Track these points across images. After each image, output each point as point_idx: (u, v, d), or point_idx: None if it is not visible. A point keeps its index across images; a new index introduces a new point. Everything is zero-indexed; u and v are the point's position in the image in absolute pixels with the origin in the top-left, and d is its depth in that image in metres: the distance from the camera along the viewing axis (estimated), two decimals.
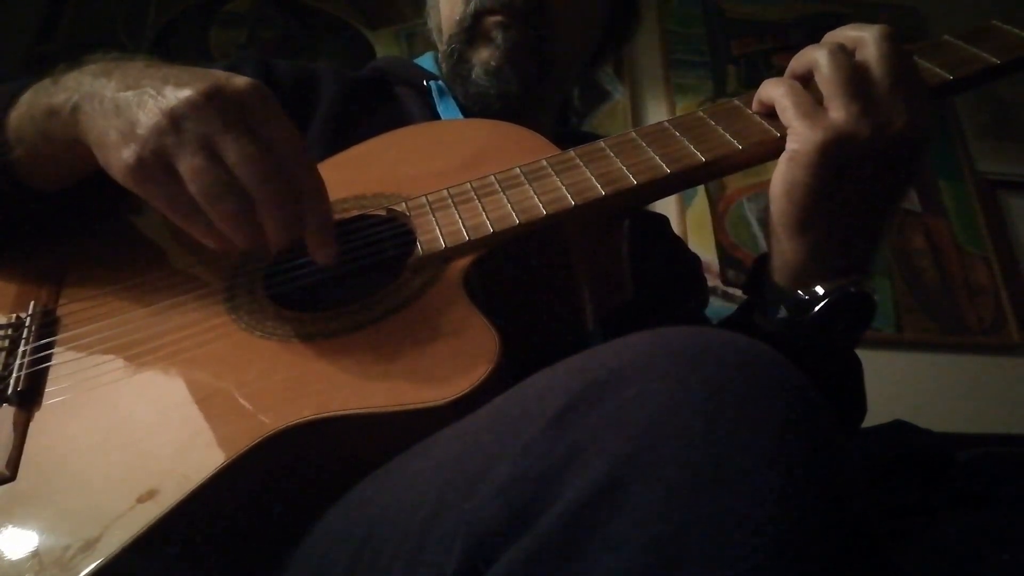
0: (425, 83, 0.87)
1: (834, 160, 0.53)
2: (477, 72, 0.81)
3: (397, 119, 0.82)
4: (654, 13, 2.26)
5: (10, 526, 0.45)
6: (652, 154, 0.58)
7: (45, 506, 0.46)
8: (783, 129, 0.57)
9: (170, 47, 1.99)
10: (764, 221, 2.00)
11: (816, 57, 0.55)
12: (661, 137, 0.60)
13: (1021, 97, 2.29)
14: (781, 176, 0.55)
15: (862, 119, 0.53)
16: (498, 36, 0.80)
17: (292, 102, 0.80)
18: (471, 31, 0.81)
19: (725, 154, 0.57)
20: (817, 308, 0.56)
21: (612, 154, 0.59)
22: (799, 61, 0.58)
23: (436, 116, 0.84)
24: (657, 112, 2.11)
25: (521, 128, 0.66)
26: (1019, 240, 2.10)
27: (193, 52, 1.98)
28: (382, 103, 0.86)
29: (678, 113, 2.06)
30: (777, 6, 2.35)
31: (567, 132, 0.98)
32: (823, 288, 0.56)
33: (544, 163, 0.60)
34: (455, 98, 0.85)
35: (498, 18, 0.80)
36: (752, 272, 0.65)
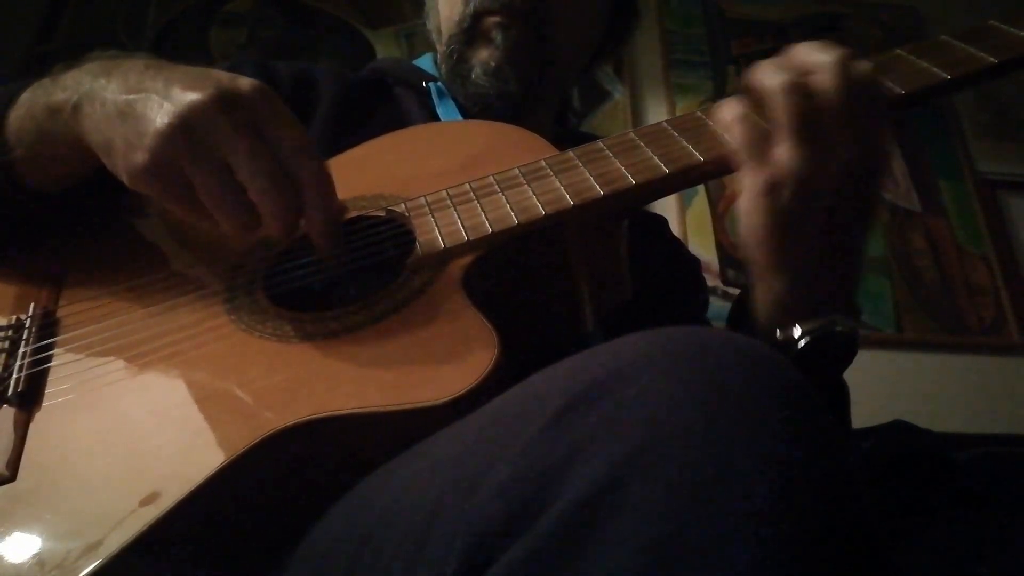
0: (424, 84, 0.87)
1: (784, 199, 0.52)
2: (476, 72, 0.81)
3: (396, 120, 0.82)
4: (654, 13, 2.26)
5: (11, 527, 0.45)
6: (651, 154, 0.58)
7: (46, 507, 0.46)
8: None
9: (170, 47, 2.00)
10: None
11: (770, 89, 0.53)
12: (660, 137, 0.60)
13: (1021, 97, 2.30)
14: (743, 219, 0.54)
15: (812, 161, 0.51)
16: (497, 36, 0.80)
17: (292, 103, 0.80)
18: (470, 32, 0.81)
19: (723, 154, 0.57)
20: (798, 347, 0.54)
21: (611, 154, 0.59)
22: (752, 83, 0.55)
23: (435, 117, 0.84)
24: (657, 112, 2.11)
25: (520, 129, 0.67)
26: (1019, 240, 2.10)
27: (193, 52, 1.98)
28: (381, 104, 0.87)
29: (678, 113, 2.06)
30: (777, 6, 2.35)
31: (566, 132, 0.98)
32: (801, 328, 0.55)
33: (543, 163, 0.60)
34: (454, 99, 0.85)
35: (497, 18, 0.80)
36: (735, 306, 0.64)
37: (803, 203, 0.52)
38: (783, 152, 0.52)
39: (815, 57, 0.54)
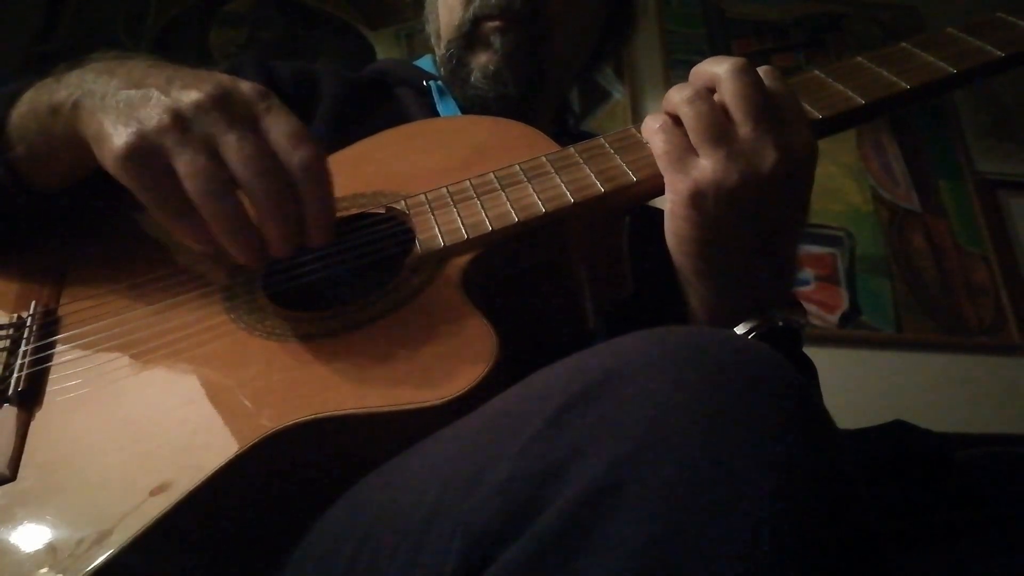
0: (425, 83, 0.87)
1: (707, 208, 0.52)
2: (476, 76, 0.82)
3: (397, 119, 0.82)
4: (654, 13, 2.26)
5: (11, 526, 0.45)
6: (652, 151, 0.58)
7: (44, 506, 0.46)
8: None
9: (170, 47, 2.00)
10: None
11: (678, 101, 0.54)
12: None
13: (1021, 98, 2.30)
14: (666, 228, 0.55)
15: (728, 163, 0.51)
16: (496, 41, 0.81)
17: (292, 103, 0.80)
18: (470, 36, 0.82)
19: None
20: None
21: (612, 151, 0.59)
22: (666, 103, 0.56)
23: (436, 115, 0.85)
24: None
25: (521, 124, 0.66)
26: (1019, 240, 2.11)
27: (193, 52, 1.98)
28: (382, 103, 0.87)
29: None
30: (777, 6, 2.35)
31: (564, 133, 0.99)
32: (742, 328, 0.55)
33: (544, 160, 0.60)
34: (455, 98, 0.86)
35: (496, 23, 0.80)
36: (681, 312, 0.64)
37: (725, 210, 0.52)
38: (703, 158, 0.52)
39: (713, 69, 0.54)
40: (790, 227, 0.56)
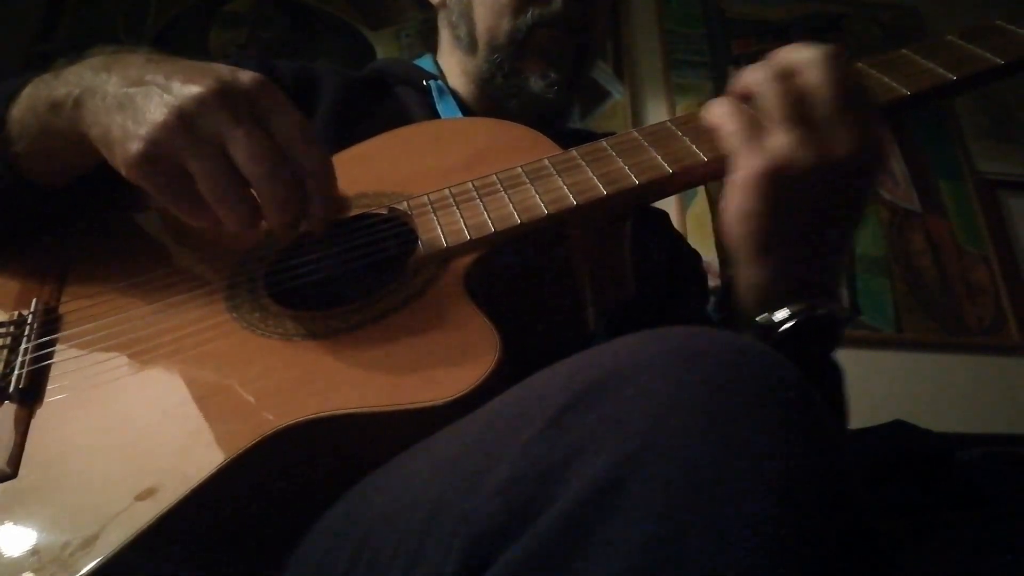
0: (425, 83, 0.87)
1: (778, 186, 0.52)
2: (536, 83, 0.83)
3: (397, 118, 0.82)
4: (654, 13, 2.26)
5: (11, 524, 0.45)
6: (654, 154, 0.58)
7: (45, 504, 0.46)
8: None
9: (170, 47, 1.99)
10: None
11: (755, 81, 0.54)
12: (663, 137, 0.60)
13: (1021, 98, 2.30)
14: (730, 203, 0.55)
15: (804, 145, 0.52)
16: (554, 48, 0.82)
17: (293, 102, 0.81)
18: (523, 44, 0.83)
19: (725, 154, 0.57)
20: (780, 331, 0.55)
21: (614, 154, 0.59)
22: (739, 82, 0.56)
23: (436, 115, 0.85)
24: (657, 112, 2.11)
25: (523, 127, 0.67)
26: (1019, 240, 2.11)
27: (193, 52, 1.98)
28: (382, 103, 0.87)
29: (678, 113, 2.06)
30: (777, 6, 2.35)
31: (563, 131, 0.99)
32: (785, 312, 0.55)
33: (546, 162, 0.60)
34: (456, 97, 0.86)
35: (555, 32, 0.82)
36: (720, 294, 0.64)
37: (796, 189, 0.52)
38: (777, 138, 0.52)
39: (800, 54, 0.54)
40: (848, 217, 0.57)
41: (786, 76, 0.54)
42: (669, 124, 0.61)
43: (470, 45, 0.88)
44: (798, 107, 0.52)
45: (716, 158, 0.57)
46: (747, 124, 0.54)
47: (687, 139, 0.59)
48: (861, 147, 0.52)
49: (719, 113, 0.56)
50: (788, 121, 0.52)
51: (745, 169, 0.53)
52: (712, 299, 1.00)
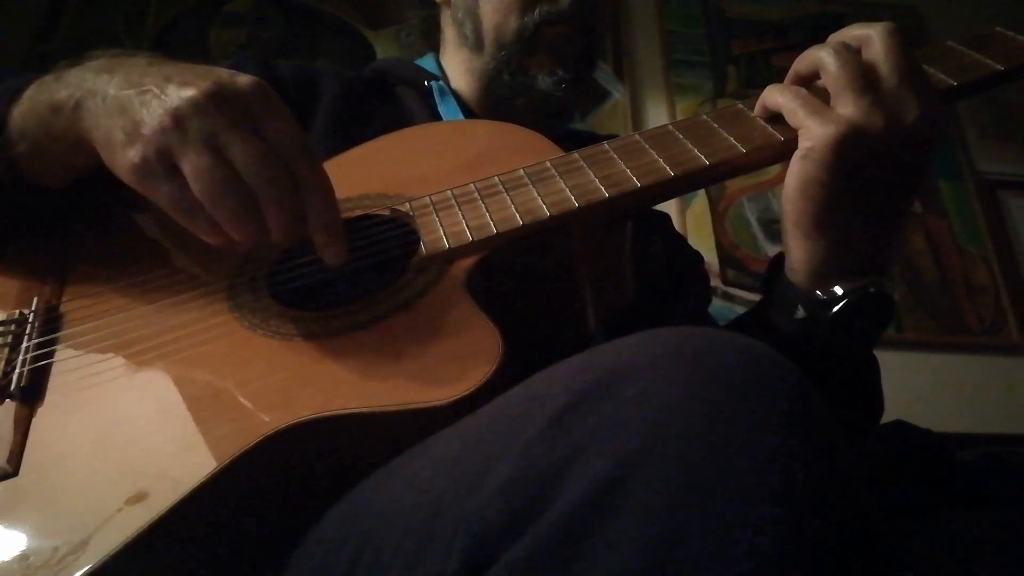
0: (426, 83, 0.87)
1: (849, 155, 0.53)
2: (544, 81, 0.83)
3: (398, 119, 0.82)
4: (654, 13, 2.26)
5: (11, 522, 0.45)
6: (656, 157, 0.58)
7: (43, 503, 0.46)
8: (787, 133, 0.57)
9: (170, 47, 1.99)
10: (764, 221, 2.00)
11: (821, 56, 0.56)
12: (665, 140, 0.60)
13: (1021, 98, 2.30)
14: (796, 174, 0.55)
15: (874, 112, 0.53)
16: (563, 47, 0.83)
17: (293, 102, 0.80)
18: (531, 40, 0.83)
19: (728, 158, 0.57)
20: (836, 308, 0.55)
21: (616, 156, 0.59)
22: (803, 61, 0.58)
23: (437, 116, 0.85)
24: (657, 112, 2.11)
25: (524, 129, 0.67)
26: (1019, 240, 2.11)
27: (193, 52, 1.98)
28: (383, 103, 0.87)
29: (678, 113, 2.06)
30: (777, 6, 2.35)
31: (565, 132, 0.99)
32: (842, 288, 0.56)
33: (548, 165, 0.60)
34: (457, 98, 0.86)
35: (564, 29, 0.82)
36: (768, 271, 0.64)
37: (863, 158, 0.53)
38: (847, 106, 0.53)
39: (863, 30, 0.56)
40: (910, 193, 0.58)
41: (851, 49, 0.55)
42: (670, 127, 0.61)
43: (476, 43, 0.88)
44: (864, 77, 0.54)
45: (717, 163, 0.57)
46: (811, 98, 0.56)
47: (688, 142, 0.59)
48: (926, 116, 0.54)
49: (782, 96, 0.57)
50: (858, 90, 0.53)
51: (817, 137, 0.53)
52: (710, 296, 1.00)
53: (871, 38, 0.56)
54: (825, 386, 0.61)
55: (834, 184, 0.54)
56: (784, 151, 0.57)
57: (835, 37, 0.58)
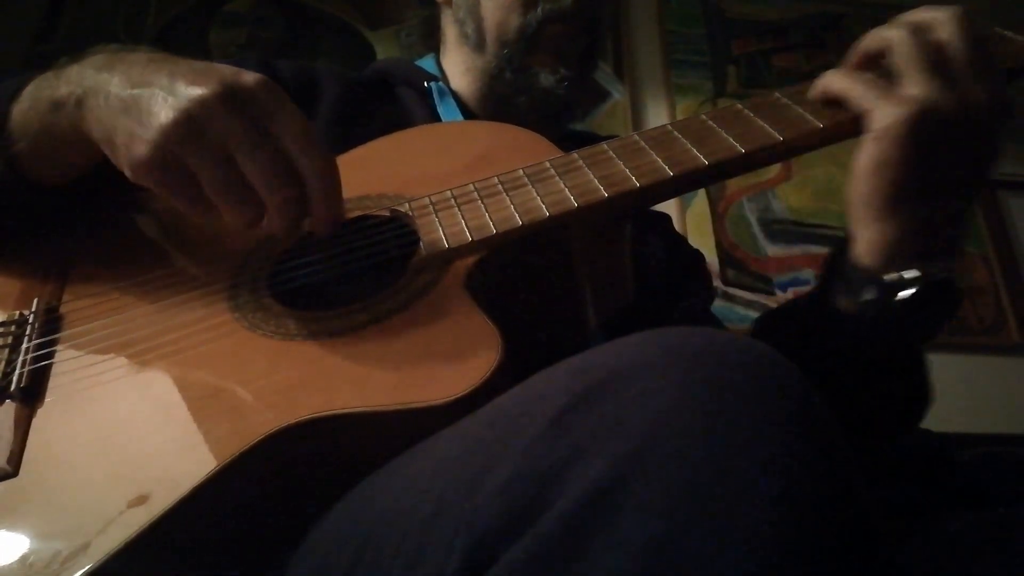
0: (426, 84, 0.87)
1: (924, 134, 0.53)
2: (546, 79, 0.83)
3: (398, 120, 0.82)
4: (654, 13, 2.26)
5: (12, 522, 0.45)
6: (655, 157, 0.59)
7: (43, 504, 0.46)
8: (788, 132, 0.57)
9: (170, 47, 1.99)
10: (764, 221, 2.00)
11: (890, 35, 0.56)
12: (664, 140, 0.60)
13: (1021, 98, 2.29)
14: (869, 155, 0.55)
15: (945, 92, 0.53)
16: (564, 45, 0.83)
17: (293, 102, 0.80)
18: (532, 39, 0.83)
19: (726, 158, 0.57)
20: (907, 291, 0.55)
21: (615, 156, 0.59)
22: (870, 41, 0.58)
23: (436, 116, 0.85)
24: (657, 112, 2.11)
25: (524, 130, 0.67)
26: (1019, 240, 2.10)
27: (193, 52, 1.97)
28: (383, 104, 0.87)
29: (678, 113, 2.06)
30: (777, 6, 2.35)
31: (566, 133, 0.99)
32: (915, 271, 0.56)
33: (547, 165, 0.60)
34: (455, 99, 0.86)
35: (565, 28, 0.82)
36: (832, 255, 0.64)
37: (936, 138, 0.53)
38: (918, 86, 0.53)
39: (931, 13, 0.56)
40: (978, 176, 0.58)
41: (921, 30, 0.55)
42: (669, 128, 0.61)
43: (478, 42, 0.88)
44: (934, 57, 0.54)
45: (715, 162, 0.57)
46: (877, 81, 0.56)
47: (688, 142, 0.59)
48: (995, 97, 0.54)
49: (844, 81, 0.57)
50: (928, 70, 0.53)
51: (888, 117, 0.54)
52: (713, 295, 0.99)
53: (939, 21, 0.56)
54: (884, 375, 0.60)
55: (908, 163, 0.54)
56: (780, 151, 0.57)
57: (905, 17, 0.58)
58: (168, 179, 0.49)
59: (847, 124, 0.58)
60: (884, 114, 0.54)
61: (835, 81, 0.58)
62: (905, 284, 0.55)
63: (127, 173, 0.50)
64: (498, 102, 0.87)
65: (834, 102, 0.58)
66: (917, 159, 0.54)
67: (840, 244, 0.62)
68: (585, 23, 0.83)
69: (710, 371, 0.36)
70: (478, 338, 0.49)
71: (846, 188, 0.58)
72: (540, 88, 0.83)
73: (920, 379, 0.66)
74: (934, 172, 0.54)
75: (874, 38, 0.58)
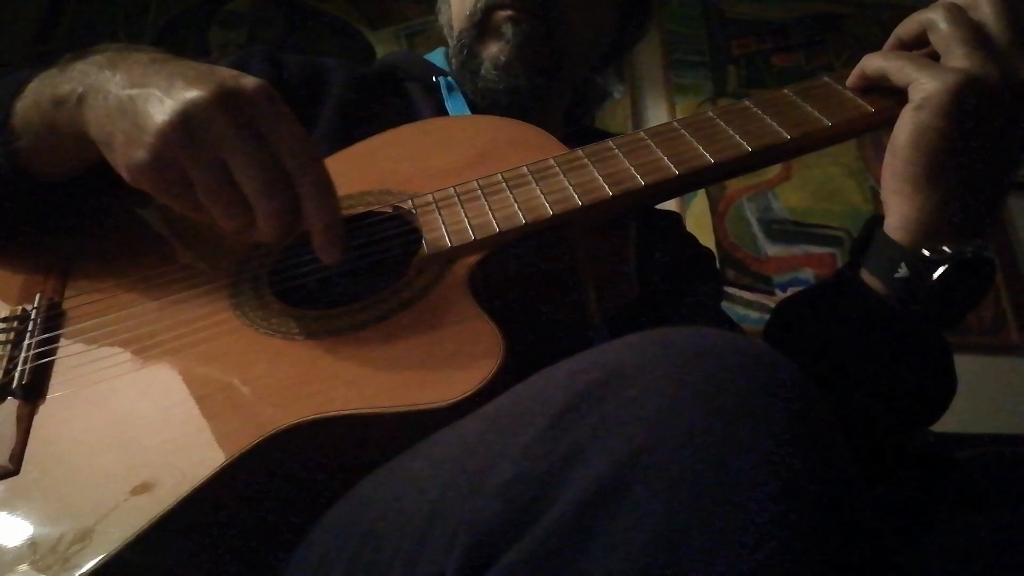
0: (434, 79, 0.87)
1: (966, 103, 0.53)
2: (486, 67, 0.81)
3: (406, 115, 0.82)
4: (654, 13, 2.26)
5: (12, 519, 0.45)
6: (661, 155, 0.58)
7: (46, 500, 0.46)
8: (795, 129, 0.57)
9: (170, 47, 1.99)
10: (764, 221, 2.00)
11: (930, 16, 0.56)
12: (670, 137, 0.59)
13: None
14: (908, 126, 0.55)
15: (988, 65, 0.53)
16: (508, 30, 0.80)
17: (301, 97, 0.80)
18: (481, 25, 0.81)
19: (734, 156, 0.57)
20: (942, 269, 0.55)
21: (620, 154, 0.59)
22: (908, 24, 0.58)
23: (444, 112, 0.84)
24: (657, 112, 2.11)
25: (528, 125, 0.66)
26: (1019, 240, 2.11)
27: (193, 52, 1.98)
28: (391, 99, 0.86)
29: (678, 113, 2.06)
30: (777, 6, 2.35)
31: (579, 130, 0.98)
32: (950, 248, 0.55)
33: (551, 162, 0.60)
34: (464, 94, 0.85)
35: (508, 12, 0.79)
36: (863, 232, 0.63)
37: (978, 110, 0.53)
38: (961, 59, 0.54)
39: None
40: (1018, 151, 0.58)
41: (960, 8, 0.56)
42: (676, 124, 0.61)
43: (448, 32, 0.88)
44: (976, 33, 0.54)
45: (722, 161, 0.57)
46: (918, 56, 0.56)
47: (694, 140, 0.59)
48: None
49: (880, 58, 0.58)
50: (971, 44, 0.54)
51: (931, 87, 0.54)
52: (722, 293, 0.98)
53: (978, 0, 0.56)
54: (913, 357, 0.60)
55: (950, 133, 0.54)
56: (787, 149, 0.57)
57: (939, 2, 0.58)
58: (163, 183, 0.49)
59: (879, 114, 0.58)
60: (926, 85, 0.54)
61: (874, 60, 0.58)
62: (941, 260, 0.55)
63: (124, 175, 0.50)
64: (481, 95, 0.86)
65: (869, 88, 0.59)
66: (959, 131, 0.54)
67: (870, 222, 0.62)
68: (533, 7, 0.79)
69: (710, 371, 0.36)
70: (480, 339, 0.49)
71: (884, 161, 0.58)
72: (480, 76, 0.81)
73: (946, 365, 0.65)
74: (974, 145, 0.54)
75: (913, 20, 0.58)
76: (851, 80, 0.60)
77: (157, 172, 0.49)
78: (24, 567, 0.42)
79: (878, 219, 0.60)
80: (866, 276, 0.60)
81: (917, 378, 0.62)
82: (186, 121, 0.47)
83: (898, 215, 0.57)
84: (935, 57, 0.56)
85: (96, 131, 0.51)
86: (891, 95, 0.58)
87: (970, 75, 0.53)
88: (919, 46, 0.59)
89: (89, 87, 0.51)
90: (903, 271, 0.57)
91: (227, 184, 0.48)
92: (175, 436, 0.48)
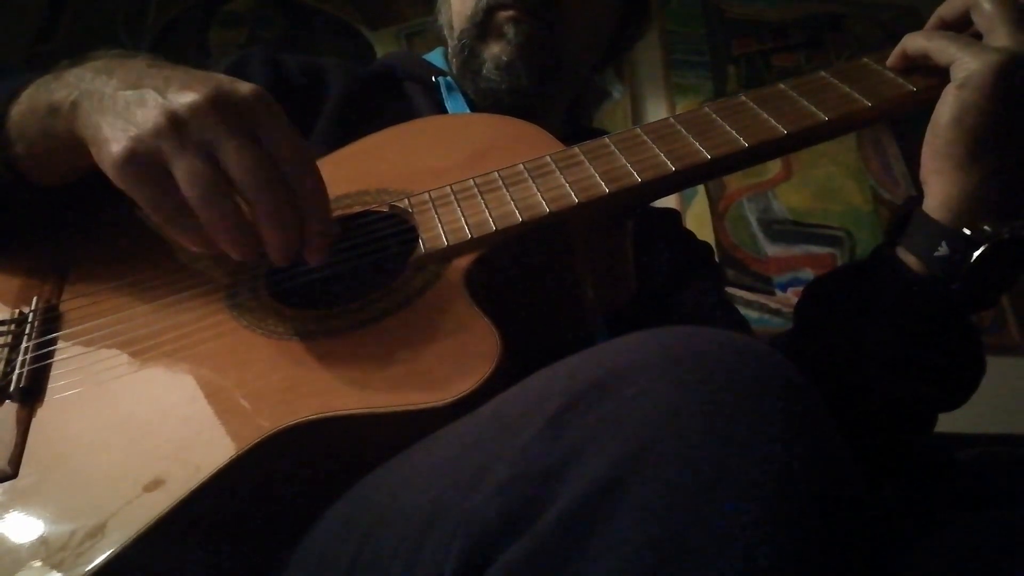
0: (434, 79, 0.87)
1: (1010, 81, 0.53)
2: (488, 67, 0.81)
3: (405, 115, 0.82)
4: (654, 13, 2.26)
5: (12, 522, 0.45)
6: (657, 151, 0.58)
7: (46, 502, 0.46)
8: (791, 124, 0.57)
9: (170, 47, 1.99)
10: (764, 221, 2.00)
11: (967, 1, 0.57)
12: (666, 134, 0.59)
13: None
14: (951, 104, 0.55)
15: None
16: (510, 31, 0.80)
17: (300, 97, 0.80)
18: (482, 26, 0.81)
19: (730, 152, 0.57)
20: (983, 248, 0.55)
21: (617, 151, 0.59)
22: (950, 6, 0.58)
23: (444, 112, 0.84)
24: (657, 112, 2.11)
25: (525, 123, 0.66)
26: None
27: (193, 52, 1.98)
28: (390, 98, 0.86)
29: (678, 112, 2.06)
30: (777, 6, 2.35)
31: (580, 129, 0.98)
32: (991, 227, 0.55)
33: (548, 159, 0.60)
34: (464, 93, 0.85)
35: (510, 13, 0.80)
36: (900, 212, 0.63)
37: (1021, 90, 0.53)
38: (1006, 38, 0.54)
39: None
40: None
41: None
42: (672, 121, 0.61)
43: (448, 31, 0.88)
44: (1021, 12, 0.55)
45: (718, 156, 0.57)
46: (960, 35, 0.56)
47: (690, 136, 0.59)
48: None
49: (922, 37, 0.58)
50: (1016, 23, 0.54)
51: (974, 65, 0.54)
52: (722, 287, 0.98)
53: None
54: (949, 336, 0.59)
55: (993, 113, 0.54)
56: (782, 145, 0.57)
57: None
58: (144, 179, 0.47)
59: (921, 93, 0.58)
60: (969, 64, 0.54)
61: (916, 40, 0.58)
62: (982, 239, 0.55)
63: (106, 171, 0.49)
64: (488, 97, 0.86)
65: (910, 69, 0.59)
66: (1002, 109, 0.54)
67: (908, 202, 0.62)
68: (535, 8, 0.80)
69: (709, 371, 0.36)
70: (477, 339, 0.49)
71: (924, 140, 0.57)
72: (482, 76, 0.81)
73: (976, 347, 0.64)
74: (1016, 124, 0.54)
75: (953, 2, 0.58)
76: (892, 60, 0.60)
77: (139, 167, 0.47)
78: (37, 564, 0.42)
79: (916, 199, 0.60)
80: (902, 254, 0.60)
81: (949, 359, 0.61)
82: (180, 120, 0.47)
83: (939, 194, 0.57)
84: (978, 37, 0.56)
85: (87, 130, 0.50)
86: (933, 74, 0.58)
87: (1014, 54, 0.53)
88: (961, 27, 0.58)
89: (84, 92, 0.51)
90: (943, 250, 0.57)
91: (213, 179, 0.47)
92: (174, 438, 0.48)
